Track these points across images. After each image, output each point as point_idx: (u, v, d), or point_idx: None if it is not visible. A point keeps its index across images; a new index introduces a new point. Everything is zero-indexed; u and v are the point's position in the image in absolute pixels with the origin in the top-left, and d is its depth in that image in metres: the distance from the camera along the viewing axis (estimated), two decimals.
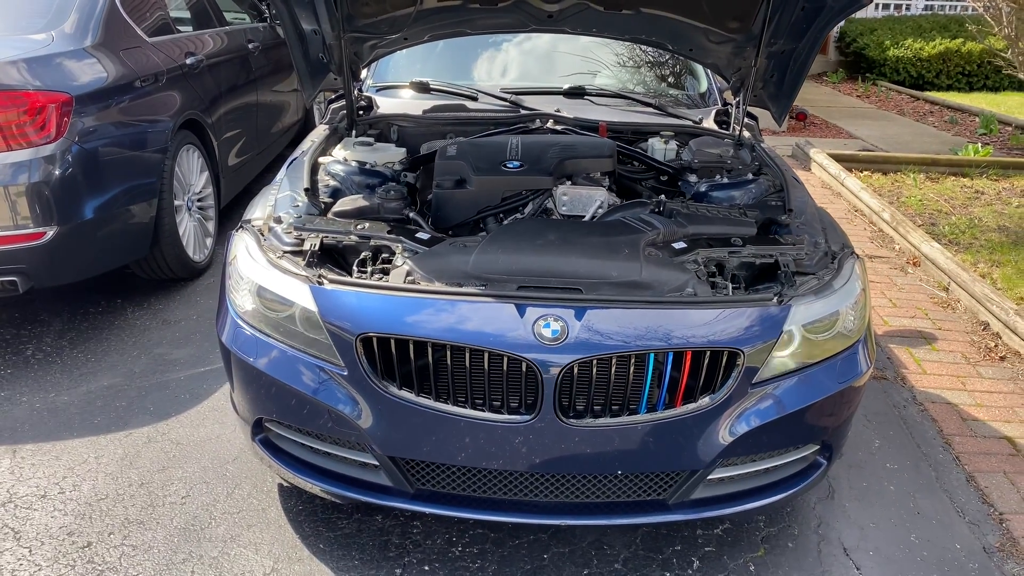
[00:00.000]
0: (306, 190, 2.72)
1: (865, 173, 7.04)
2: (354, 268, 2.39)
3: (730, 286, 2.36)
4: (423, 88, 3.77)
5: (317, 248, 2.42)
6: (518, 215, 2.83)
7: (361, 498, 2.32)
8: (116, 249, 3.86)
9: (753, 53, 3.20)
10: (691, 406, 2.19)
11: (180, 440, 3.00)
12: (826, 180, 6.90)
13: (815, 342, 2.31)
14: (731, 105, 3.74)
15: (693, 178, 3.10)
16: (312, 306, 2.24)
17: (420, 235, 2.48)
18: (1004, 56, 8.09)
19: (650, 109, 3.69)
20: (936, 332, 4.18)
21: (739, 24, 3.13)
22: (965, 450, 3.19)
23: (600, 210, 2.79)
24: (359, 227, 2.51)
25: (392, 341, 2.17)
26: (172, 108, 4.24)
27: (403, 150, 3.24)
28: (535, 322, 2.13)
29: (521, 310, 2.14)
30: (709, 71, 4.08)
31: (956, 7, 14.17)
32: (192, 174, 4.51)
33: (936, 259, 4.83)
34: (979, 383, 3.70)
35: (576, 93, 3.73)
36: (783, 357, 2.26)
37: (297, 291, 2.28)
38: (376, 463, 2.30)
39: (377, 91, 3.91)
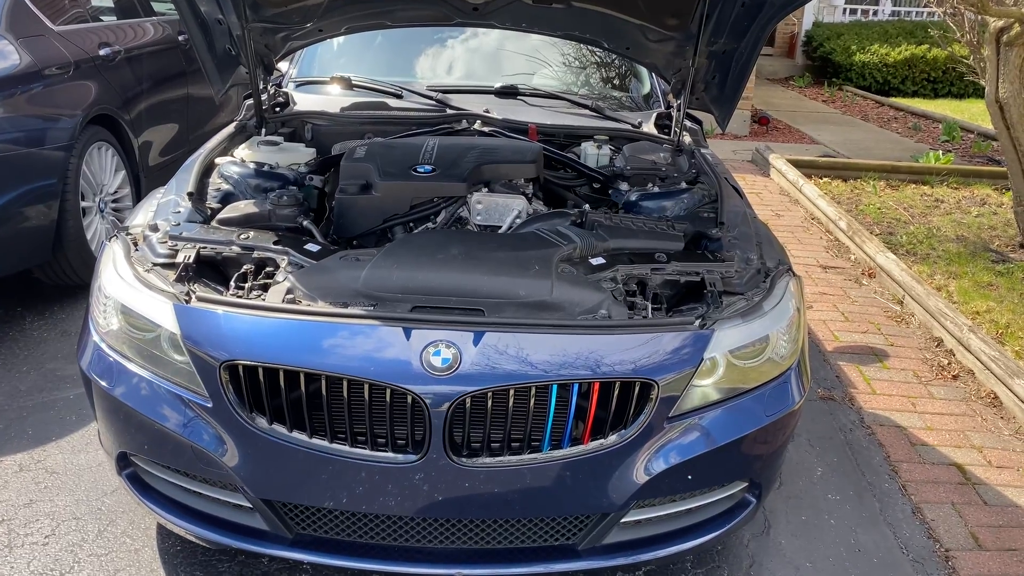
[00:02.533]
0: (189, 194, 2.45)
1: (825, 180, 6.88)
2: (231, 284, 2.13)
3: (650, 307, 2.13)
4: (345, 84, 3.51)
5: (192, 261, 2.16)
6: (429, 225, 2.59)
7: (233, 544, 2.06)
8: (11, 254, 3.56)
9: (692, 52, 2.98)
10: (599, 443, 1.96)
11: (56, 468, 2.72)
12: (784, 187, 6.73)
13: (741, 370, 2.09)
14: (673, 107, 3.52)
15: (624, 186, 2.87)
16: (175, 328, 1.98)
17: (309, 247, 2.22)
18: (967, 63, 7.99)
19: (587, 111, 3.46)
20: (888, 348, 3.99)
21: (677, 21, 2.91)
22: (912, 478, 2.99)
23: (518, 220, 2.55)
24: (242, 237, 2.25)
25: (260, 370, 1.91)
26: (80, 102, 3.94)
27: (312, 151, 2.98)
28: (424, 349, 1.89)
29: (408, 335, 1.90)
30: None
31: (923, 13, 14.15)
32: (105, 173, 4.21)
33: (891, 271, 4.66)
34: (930, 404, 3.52)
35: (509, 93, 3.48)
36: (705, 387, 2.04)
37: (161, 310, 2.02)
38: (250, 505, 2.04)
39: (298, 86, 3.65)
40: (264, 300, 2.03)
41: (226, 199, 2.57)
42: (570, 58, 3.86)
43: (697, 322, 2.05)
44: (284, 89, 3.57)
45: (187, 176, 2.58)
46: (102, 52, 4.24)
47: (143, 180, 4.60)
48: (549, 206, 2.83)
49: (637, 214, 2.69)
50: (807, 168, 6.97)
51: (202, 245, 2.22)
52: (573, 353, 1.93)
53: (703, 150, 3.34)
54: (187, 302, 2.01)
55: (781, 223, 5.81)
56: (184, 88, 5.20)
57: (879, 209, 6.09)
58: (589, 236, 2.32)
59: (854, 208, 6.10)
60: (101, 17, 4.65)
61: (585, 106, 3.48)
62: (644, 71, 3.89)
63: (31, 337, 3.62)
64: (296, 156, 2.89)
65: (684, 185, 2.80)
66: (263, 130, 3.16)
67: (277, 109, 3.44)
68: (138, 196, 4.56)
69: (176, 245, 2.23)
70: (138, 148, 4.53)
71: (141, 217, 2.49)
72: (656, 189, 2.78)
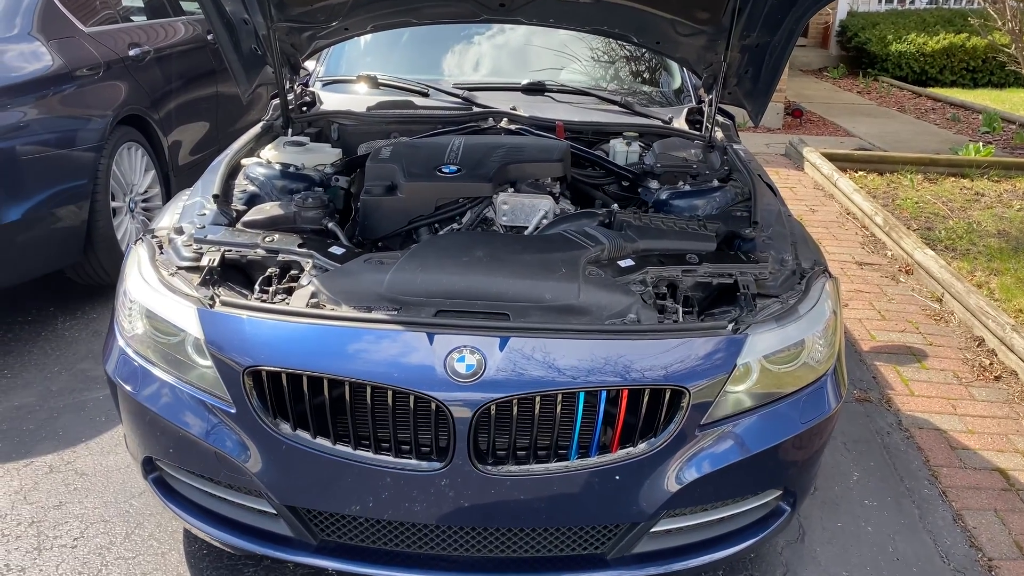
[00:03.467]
0: (214, 196, 2.44)
1: (860, 173, 6.74)
2: (256, 287, 2.11)
3: (680, 310, 2.08)
4: (371, 83, 3.48)
5: (216, 264, 2.14)
6: (454, 226, 2.55)
7: (258, 550, 2.05)
8: (41, 255, 3.59)
9: (725, 47, 2.91)
10: (628, 451, 1.91)
11: (85, 470, 2.73)
12: (819, 181, 6.60)
13: (776, 375, 2.03)
14: (704, 103, 3.44)
15: (655, 184, 2.81)
16: (199, 332, 1.97)
17: (334, 250, 2.20)
18: (1008, 52, 7.78)
19: (616, 107, 3.40)
20: (927, 348, 3.89)
21: (708, 15, 2.84)
22: (953, 484, 2.90)
23: (545, 221, 2.50)
24: (267, 239, 2.23)
25: (284, 375, 1.89)
26: (110, 103, 3.96)
27: (338, 151, 2.96)
28: (448, 355, 1.85)
29: (432, 340, 1.86)
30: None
31: (962, 1, 13.81)
32: (135, 173, 4.23)
33: (930, 267, 4.54)
34: (971, 406, 3.41)
35: (536, 90, 3.43)
36: (738, 393, 1.98)
37: (185, 315, 2.01)
38: (274, 511, 2.02)
39: (325, 86, 3.63)
40: (288, 304, 2.01)
41: (252, 201, 2.55)
42: (598, 53, 3.80)
43: (730, 326, 1.99)
44: (311, 88, 3.55)
45: (213, 178, 2.57)
46: (132, 52, 4.26)
47: (173, 179, 4.63)
48: (577, 205, 2.78)
49: (667, 213, 2.63)
50: (842, 162, 6.83)
51: (227, 248, 2.21)
52: (601, 359, 1.88)
53: (736, 146, 3.26)
54: (211, 307, 1.99)
55: (815, 218, 5.69)
56: (213, 87, 5.22)
57: (917, 203, 5.95)
58: (618, 237, 2.27)
59: (891, 202, 5.96)
60: (132, 17, 4.68)
61: (614, 102, 3.42)
62: (675, 65, 3.81)
63: (63, 337, 3.65)
64: (322, 157, 2.87)
65: (716, 183, 2.74)
66: (290, 130, 3.15)
67: (304, 109, 3.43)
68: (168, 196, 4.58)
69: (201, 248, 2.21)
70: (168, 148, 4.55)
71: (167, 219, 2.49)
72: (687, 187, 2.71)
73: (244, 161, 2.79)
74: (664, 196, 2.70)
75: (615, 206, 2.57)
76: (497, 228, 2.55)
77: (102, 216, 3.83)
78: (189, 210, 2.44)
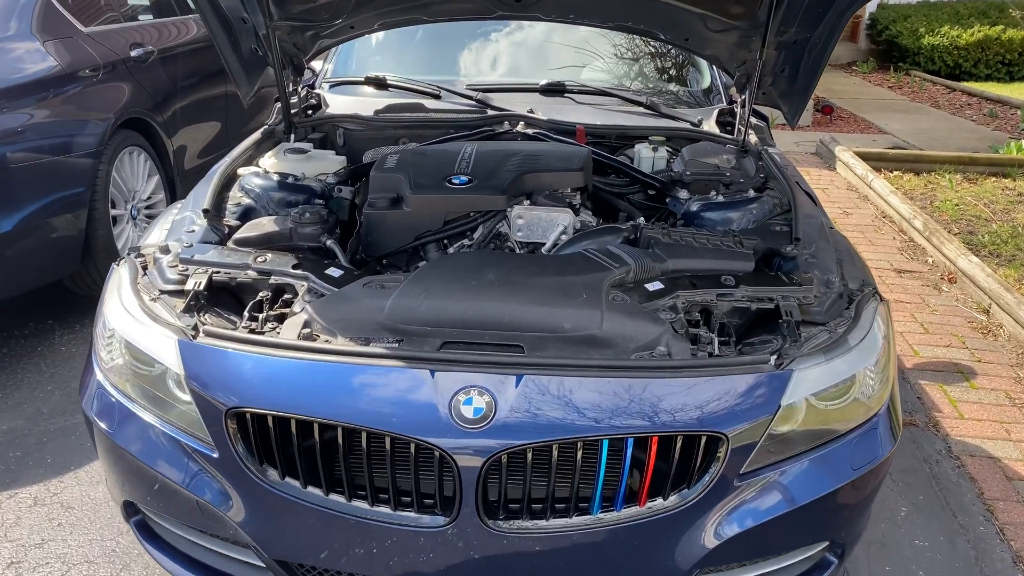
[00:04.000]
0: (204, 211, 2.25)
1: (895, 173, 6.44)
2: (245, 314, 1.91)
3: (716, 341, 1.85)
4: (380, 84, 3.27)
5: (203, 288, 1.95)
6: (464, 242, 2.34)
7: None
8: (37, 267, 3.42)
9: (760, 43, 2.67)
10: (658, 504, 1.69)
11: (72, 503, 2.55)
12: (852, 182, 6.31)
13: (824, 413, 1.80)
14: (737, 103, 3.21)
15: (684, 194, 2.58)
16: (179, 367, 1.77)
17: (331, 271, 1.99)
18: None
19: (641, 109, 3.17)
20: (975, 365, 3.62)
21: (743, 9, 2.61)
22: (1011, 520, 2.65)
23: (564, 237, 2.29)
24: (259, 259, 2.03)
25: (270, 418, 1.69)
26: (109, 106, 3.78)
27: (342, 159, 2.76)
28: (453, 396, 1.64)
29: (436, 379, 1.65)
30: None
31: None
32: (137, 179, 4.06)
33: (975, 275, 4.26)
34: None
35: (555, 90, 3.21)
36: (782, 436, 1.75)
37: (165, 346, 1.81)
38: (263, 565, 1.82)
39: (332, 87, 3.43)
40: (279, 334, 1.81)
41: (246, 215, 2.36)
42: (621, 50, 3.57)
43: (773, 360, 1.77)
44: (316, 90, 3.36)
45: (205, 190, 2.38)
46: (134, 53, 4.09)
47: (179, 184, 4.46)
48: (599, 217, 2.56)
49: (699, 227, 2.40)
50: (876, 161, 6.54)
51: (215, 269, 2.01)
52: (627, 399, 1.67)
53: (770, 150, 3.03)
54: (193, 338, 1.80)
55: (850, 222, 5.42)
56: (223, 86, 5.04)
57: (957, 206, 5.65)
58: (644, 256, 2.05)
59: (929, 204, 5.67)
60: (138, 16, 4.51)
61: (639, 103, 3.19)
62: (704, 62, 3.57)
63: (59, 352, 3.48)
64: (325, 165, 2.67)
65: (752, 193, 2.50)
66: (292, 136, 2.95)
67: (309, 112, 3.24)
68: (173, 201, 4.41)
69: (187, 269, 2.02)
70: (173, 152, 4.38)
71: (155, 235, 2.31)
72: (720, 198, 2.48)
73: (240, 171, 2.60)
74: (695, 208, 2.47)
75: (641, 219, 2.34)
76: (512, 244, 2.34)
77: (101, 225, 3.66)
78: (178, 226, 2.25)
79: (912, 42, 11.85)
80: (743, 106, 3.04)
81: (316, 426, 1.67)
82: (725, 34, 2.78)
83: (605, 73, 3.44)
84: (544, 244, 2.28)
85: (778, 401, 1.72)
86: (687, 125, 3.07)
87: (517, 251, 2.34)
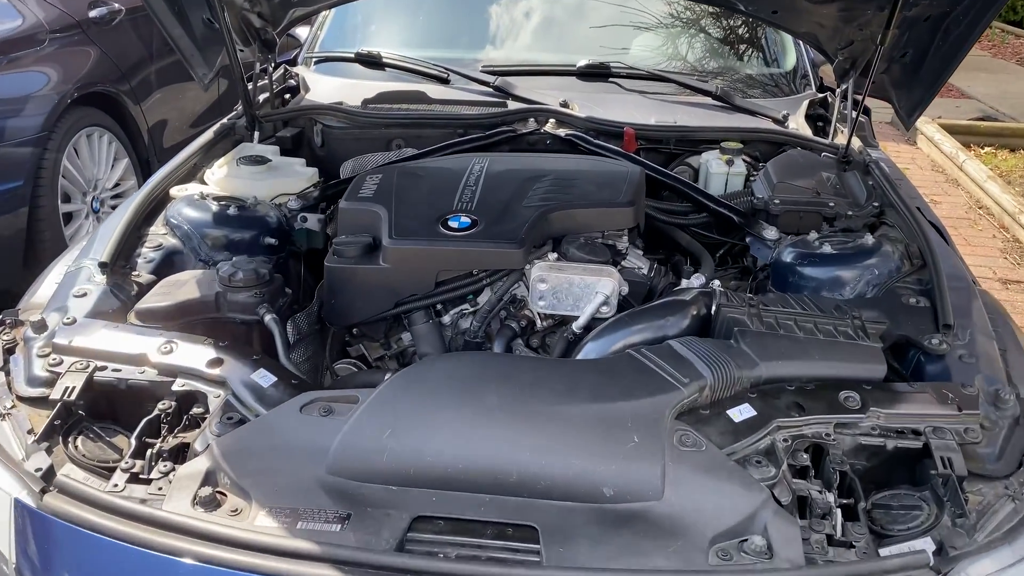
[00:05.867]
0: (101, 265, 1.61)
1: (987, 150, 5.60)
2: (128, 445, 1.29)
3: (838, 515, 1.19)
4: (374, 62, 2.58)
5: (75, 396, 1.33)
6: (465, 308, 1.68)
7: None
8: None
9: (879, 18, 1.95)
10: None
11: None
12: (938, 161, 5.48)
13: None
14: (836, 94, 2.48)
15: (771, 233, 1.89)
16: (8, 548, 1.16)
17: (258, 377, 1.35)
18: None
19: (708, 99, 2.45)
20: None
21: None
22: None
23: (604, 310, 1.61)
24: (164, 348, 1.40)
25: None
26: (60, 81, 3.15)
27: (313, 171, 2.10)
28: None
29: None
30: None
31: None
32: (98, 165, 3.44)
33: None
34: None
35: (596, 73, 2.49)
36: None
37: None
38: None
39: (317, 64, 2.74)
40: (166, 491, 1.19)
41: (166, 265, 1.72)
42: (682, 20, 2.82)
43: (929, 552, 1.11)
44: (297, 68, 2.68)
45: (111, 229, 1.74)
46: (93, 14, 3.42)
47: (156, 166, 3.81)
48: (652, 260, 1.88)
49: (794, 288, 1.72)
50: (964, 135, 5.68)
51: (99, 364, 1.39)
52: None
53: (876, 155, 2.30)
54: (40, 497, 1.18)
55: (939, 213, 4.61)
56: None
57: None
58: (726, 359, 1.37)
59: None
60: None
61: (706, 91, 2.47)
62: (787, 36, 2.81)
63: None
64: (287, 183, 2.01)
65: (870, 239, 1.78)
66: (256, 134, 2.29)
67: (288, 97, 2.57)
68: None
69: (60, 361, 1.40)
70: (148, 129, 3.75)
71: (45, 290, 1.68)
72: (826, 247, 1.77)
73: (174, 190, 1.96)
74: (788, 257, 1.78)
75: (716, 284, 1.65)
76: (531, 312, 1.67)
77: (48, 225, 3.07)
78: (68, 282, 1.62)
79: None
80: (844, 98, 2.32)
81: None
82: (828, 6, 2.05)
83: (660, 51, 2.70)
84: (576, 319, 1.61)
85: None
86: (770, 124, 2.36)
87: (538, 323, 1.67)
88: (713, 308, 1.54)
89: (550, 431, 1.22)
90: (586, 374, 1.34)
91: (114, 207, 3.51)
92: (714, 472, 1.19)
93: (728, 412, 1.31)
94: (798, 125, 2.41)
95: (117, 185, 3.59)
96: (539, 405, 1.26)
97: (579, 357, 1.50)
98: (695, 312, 1.55)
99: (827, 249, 1.75)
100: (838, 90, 2.36)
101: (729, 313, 1.49)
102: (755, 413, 1.30)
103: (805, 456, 1.27)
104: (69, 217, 3.24)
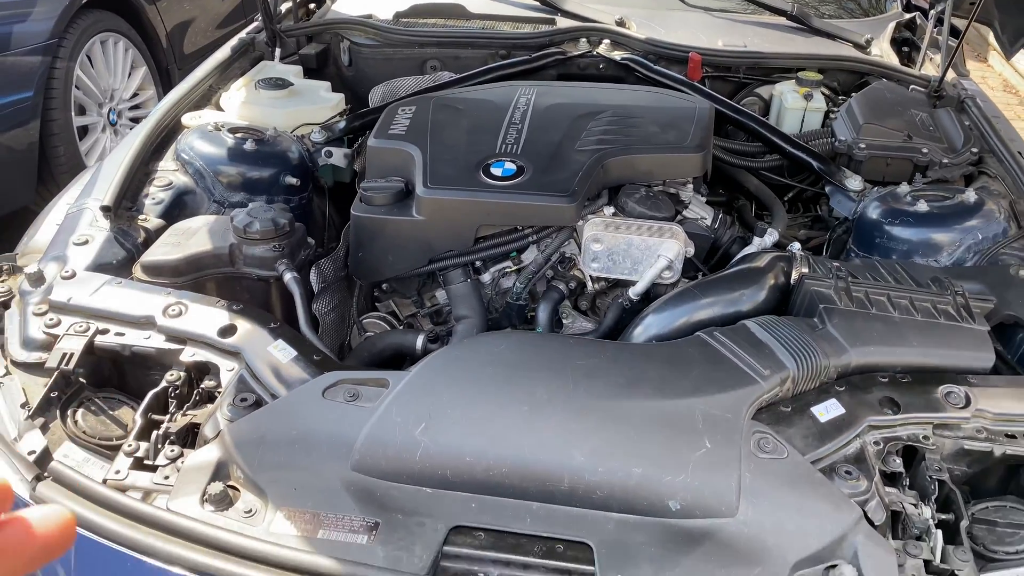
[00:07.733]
0: (104, 209, 1.45)
1: None
2: (136, 419, 1.15)
3: (939, 536, 1.03)
4: None
5: (73, 362, 1.19)
6: (508, 267, 1.50)
7: None
8: None
9: None
10: None
11: None
12: (1012, 81, 5.08)
13: None
14: (920, 13, 2.19)
15: (855, 183, 1.66)
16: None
17: (276, 349, 1.20)
18: None
19: (782, 19, 2.18)
20: None
21: None
22: None
23: (667, 275, 1.42)
24: (172, 310, 1.25)
25: None
26: None
27: (339, 97, 1.89)
28: None
29: None
30: None
31: None
32: (114, 75, 3.23)
33: None
34: None
35: None
36: None
37: None
38: None
39: None
40: (172, 479, 1.05)
41: (176, 207, 1.54)
42: None
43: None
44: None
45: (116, 164, 1.56)
46: None
47: (177, 75, 3.61)
48: (717, 207, 1.67)
49: (882, 252, 1.51)
50: None
51: (100, 326, 1.24)
52: None
53: (970, 87, 2.04)
54: (33, 486, 1.05)
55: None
56: None
57: None
58: (810, 342, 1.18)
59: None
60: None
61: (780, 11, 2.19)
62: None
63: None
64: (311, 112, 1.81)
65: (971, 195, 1.55)
66: (276, 50, 2.08)
67: (312, 5, 2.34)
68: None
69: (58, 322, 1.25)
70: (167, 33, 3.51)
71: (45, 232, 1.52)
72: (917, 203, 1.54)
73: (186, 118, 1.77)
74: (875, 214, 1.56)
75: (795, 247, 1.45)
76: (581, 272, 1.49)
77: (62, 139, 2.89)
78: (68, 226, 1.46)
79: None
80: (939, 21, 2.04)
81: None
82: None
83: None
84: (633, 284, 1.42)
85: None
86: (851, 50, 2.09)
87: (589, 285, 1.49)
88: (794, 276, 1.35)
89: (608, 431, 1.06)
90: (650, 363, 1.16)
91: (132, 119, 3.34)
92: (798, 485, 1.03)
93: (812, 409, 1.13)
94: (882, 52, 2.13)
95: (135, 95, 3.39)
96: (595, 400, 1.09)
97: (638, 331, 1.33)
98: (772, 282, 1.35)
99: (921, 207, 1.52)
100: (932, 11, 2.08)
101: (814, 287, 1.29)
102: (843, 411, 1.13)
103: (897, 460, 1.10)
104: (85, 131, 3.06)
